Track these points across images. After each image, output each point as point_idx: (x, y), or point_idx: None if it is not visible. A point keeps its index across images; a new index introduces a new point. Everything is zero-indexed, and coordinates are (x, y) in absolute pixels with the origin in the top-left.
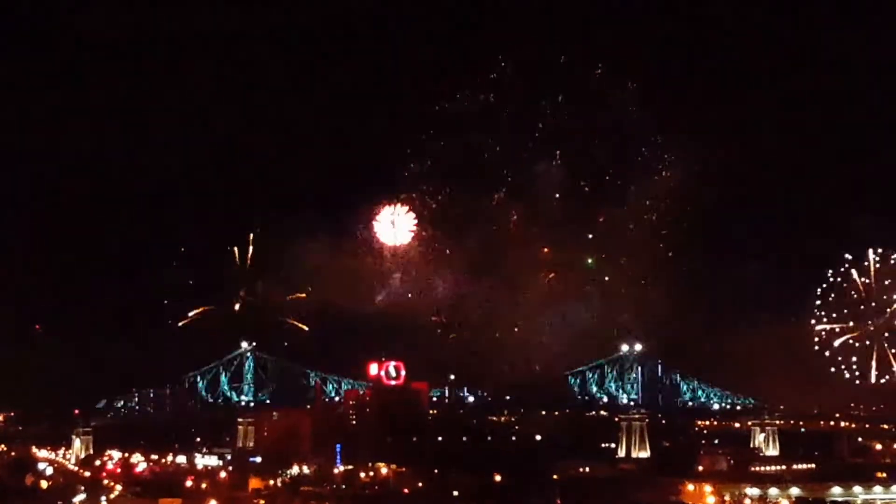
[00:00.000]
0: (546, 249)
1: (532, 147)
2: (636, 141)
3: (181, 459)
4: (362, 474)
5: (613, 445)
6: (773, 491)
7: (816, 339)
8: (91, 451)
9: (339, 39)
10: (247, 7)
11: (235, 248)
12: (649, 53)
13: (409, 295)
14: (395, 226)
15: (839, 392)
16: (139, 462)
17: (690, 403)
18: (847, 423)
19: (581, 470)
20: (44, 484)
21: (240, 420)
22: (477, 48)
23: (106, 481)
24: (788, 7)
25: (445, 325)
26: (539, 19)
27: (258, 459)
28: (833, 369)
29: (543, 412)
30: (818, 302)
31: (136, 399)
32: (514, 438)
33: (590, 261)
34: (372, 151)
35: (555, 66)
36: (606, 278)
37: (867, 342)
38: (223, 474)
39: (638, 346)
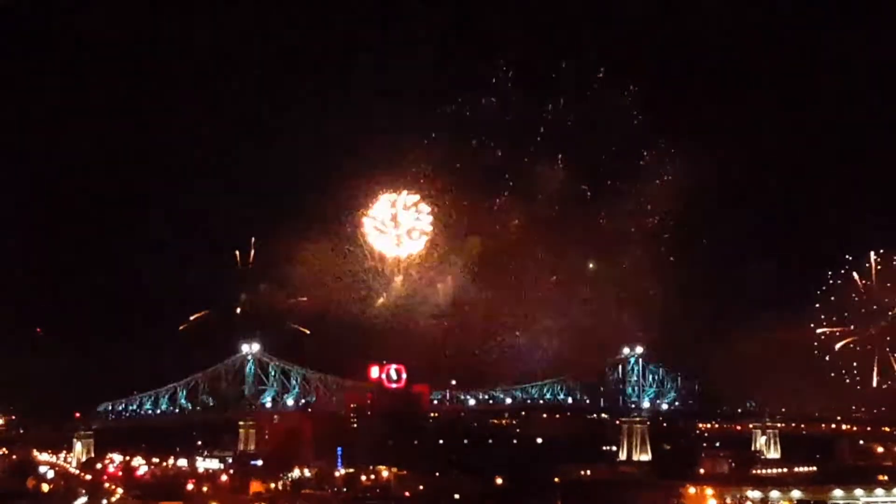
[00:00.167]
0: (548, 253)
1: (534, 150)
2: (637, 143)
3: (182, 463)
4: (363, 477)
5: (614, 448)
6: (774, 494)
7: (817, 342)
8: (92, 455)
9: (339, 39)
10: (247, 7)
11: (237, 251)
12: (649, 54)
13: (411, 298)
14: (397, 228)
15: (840, 395)
16: (140, 465)
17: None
18: (848, 426)
19: (582, 473)
20: (45, 487)
21: (241, 423)
22: (477, 50)
23: (107, 485)
24: (788, 7)
25: (447, 329)
26: (539, 20)
27: (259, 462)
28: (833, 374)
29: (544, 415)
30: (818, 304)
31: (137, 402)
32: (515, 441)
33: (591, 265)
34: (374, 153)
35: (556, 69)
36: (608, 281)
37: (868, 345)
38: (224, 477)
39: (639, 349)
